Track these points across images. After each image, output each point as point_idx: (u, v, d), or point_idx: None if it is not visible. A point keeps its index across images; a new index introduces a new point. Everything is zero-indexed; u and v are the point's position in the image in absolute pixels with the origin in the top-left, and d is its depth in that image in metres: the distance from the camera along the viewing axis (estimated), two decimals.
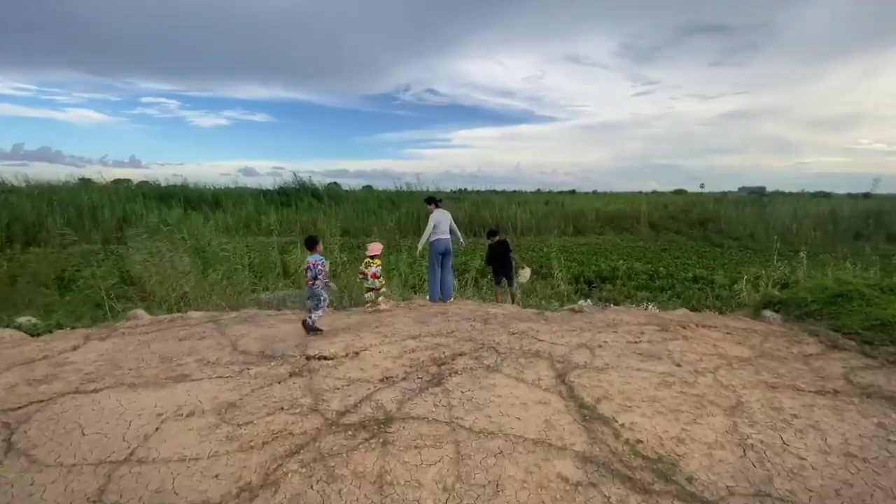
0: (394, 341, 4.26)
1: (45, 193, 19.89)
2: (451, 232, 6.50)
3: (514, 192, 42.22)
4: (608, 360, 3.79)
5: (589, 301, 9.70)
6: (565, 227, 21.59)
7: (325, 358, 3.84)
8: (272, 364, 3.74)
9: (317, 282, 4.61)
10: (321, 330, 4.56)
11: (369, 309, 5.56)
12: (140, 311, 5.31)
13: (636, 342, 4.25)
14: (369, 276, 5.47)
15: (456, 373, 3.52)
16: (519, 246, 16.46)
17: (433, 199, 6.75)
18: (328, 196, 25.90)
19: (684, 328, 4.67)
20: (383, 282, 5.66)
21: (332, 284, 4.92)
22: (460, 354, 3.89)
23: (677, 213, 25.65)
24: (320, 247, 4.85)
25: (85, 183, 25.75)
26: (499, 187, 42.52)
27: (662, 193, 48.23)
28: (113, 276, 8.60)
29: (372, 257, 5.46)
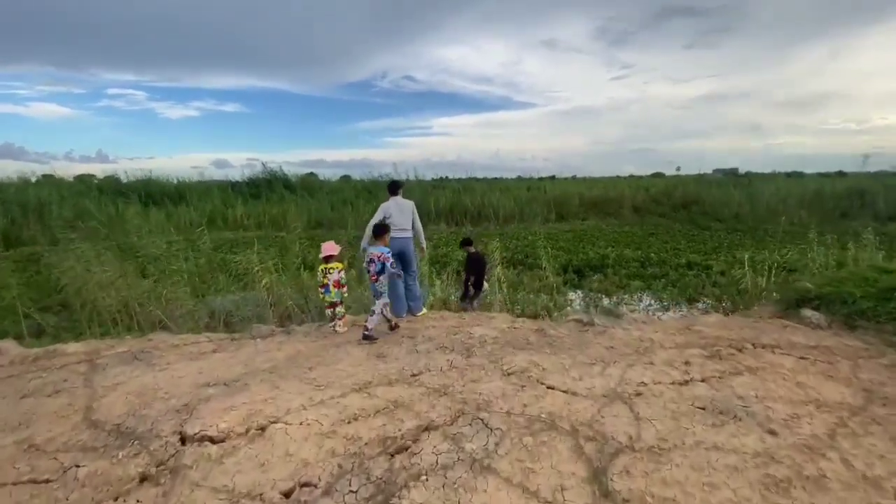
0: (328, 399, 2.95)
1: None
2: (414, 229, 5.26)
3: (495, 178, 41.45)
4: (662, 427, 2.57)
5: (579, 293, 9.02)
6: (548, 214, 20.92)
7: (211, 440, 2.52)
8: (122, 453, 2.43)
9: (381, 277, 4.30)
10: (376, 339, 4.26)
11: (332, 329, 4.68)
12: (6, 344, 4.23)
13: (686, 381, 3.14)
14: (331, 287, 4.46)
15: (419, 476, 2.19)
16: (503, 234, 15.70)
17: (394, 185, 5.32)
18: (301, 187, 24.65)
19: (740, 351, 3.66)
20: (346, 292, 4.71)
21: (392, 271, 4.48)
22: (428, 428, 2.61)
23: (660, 197, 25.23)
24: (388, 238, 4.56)
25: (47, 179, 23.93)
26: (479, 175, 41.59)
27: (640, 177, 48.13)
28: (47, 285, 7.52)
29: (327, 259, 4.47)
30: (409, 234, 5.08)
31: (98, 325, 5.48)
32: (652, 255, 11.33)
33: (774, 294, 6.23)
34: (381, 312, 4.35)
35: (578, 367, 3.46)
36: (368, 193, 22.64)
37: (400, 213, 5.08)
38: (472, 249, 6.03)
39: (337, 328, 4.55)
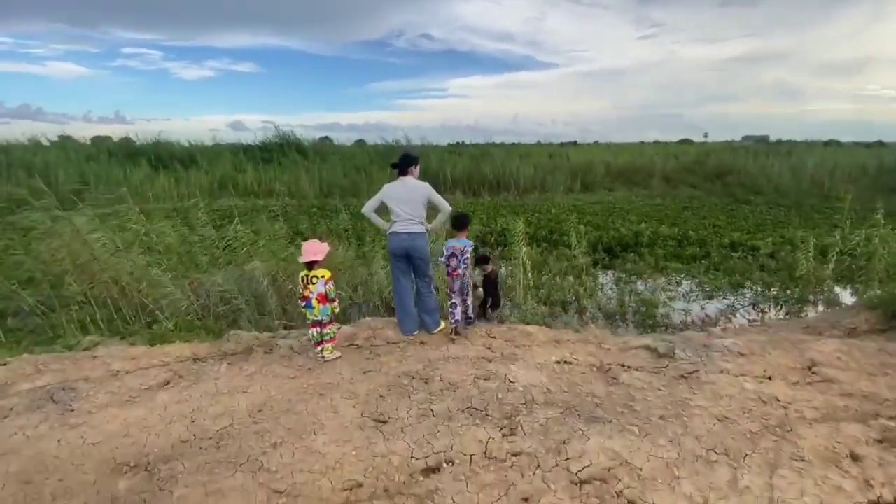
0: None
1: None
2: (436, 222, 4.07)
3: (514, 144, 39.78)
4: None
5: (610, 275, 8.18)
6: (572, 183, 19.75)
7: None
8: None
9: (458, 272, 3.87)
10: (465, 328, 3.99)
11: (317, 355, 3.54)
12: None
13: (876, 502, 2.02)
14: (314, 301, 3.37)
15: None
16: (525, 207, 14.76)
17: (404, 161, 3.95)
18: (314, 152, 23.77)
19: None
20: (337, 307, 3.52)
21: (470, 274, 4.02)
22: None
23: (691, 165, 23.70)
24: (467, 232, 4.05)
25: (63, 141, 23.51)
26: (497, 139, 39.87)
27: (666, 144, 45.69)
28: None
29: (310, 265, 3.39)
30: (420, 228, 3.81)
31: (78, 307, 4.87)
32: (690, 232, 10.34)
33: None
34: (466, 307, 3.96)
35: (690, 464, 2.24)
36: (382, 160, 21.67)
37: (407, 199, 3.77)
38: (490, 268, 4.94)
39: (324, 355, 3.50)
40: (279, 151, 23.31)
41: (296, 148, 23.70)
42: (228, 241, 6.45)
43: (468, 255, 3.84)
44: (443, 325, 4.08)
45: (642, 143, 49.61)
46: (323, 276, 3.36)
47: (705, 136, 52.51)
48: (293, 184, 18.15)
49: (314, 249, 3.37)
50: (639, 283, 7.76)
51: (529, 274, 6.70)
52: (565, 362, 3.43)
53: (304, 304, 3.43)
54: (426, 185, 3.85)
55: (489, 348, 3.73)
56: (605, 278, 8.08)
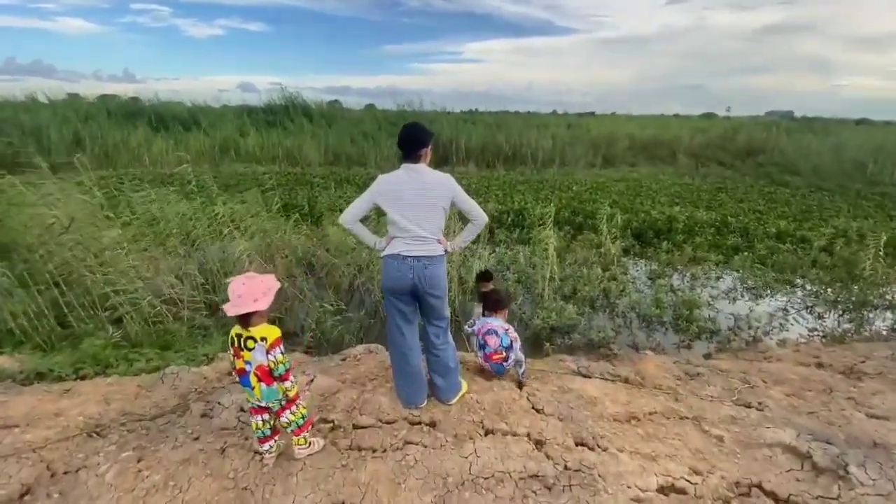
0: None
1: None
2: (464, 234, 2.74)
3: (529, 113, 37.96)
4: None
5: (641, 266, 7.29)
6: (594, 158, 18.55)
7: None
8: None
9: (509, 354, 2.88)
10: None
11: (265, 456, 2.24)
12: None
13: None
14: (251, 378, 2.05)
15: None
16: (544, 183, 13.72)
17: (412, 138, 2.50)
18: (321, 116, 22.62)
19: None
20: (293, 386, 2.12)
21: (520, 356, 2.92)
22: None
23: (720, 142, 22.26)
24: (505, 312, 3.01)
25: (72, 99, 22.56)
26: (511, 107, 38.07)
27: (688, 117, 43.41)
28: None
29: (245, 320, 1.98)
30: (437, 248, 2.49)
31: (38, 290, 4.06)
32: (729, 218, 9.34)
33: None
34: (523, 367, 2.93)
35: None
36: (393, 126, 20.52)
37: (419, 203, 2.43)
38: (490, 286, 4.14)
39: (298, 451, 2.25)
40: (284, 115, 22.24)
41: (302, 111, 22.57)
42: (210, 217, 5.64)
43: (514, 334, 2.81)
44: (464, 387, 2.80)
45: (662, 115, 47.40)
46: (264, 339, 1.96)
47: (728, 110, 49.98)
48: (297, 150, 17.19)
49: (249, 292, 1.90)
50: (674, 276, 6.89)
51: (555, 266, 5.84)
52: (674, 489, 2.17)
53: (238, 377, 2.08)
54: (448, 178, 2.49)
55: (539, 441, 2.44)
56: (637, 270, 7.20)
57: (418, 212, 2.40)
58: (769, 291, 6.40)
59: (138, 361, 2.91)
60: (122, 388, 2.76)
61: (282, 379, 2.05)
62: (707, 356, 4.78)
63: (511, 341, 2.78)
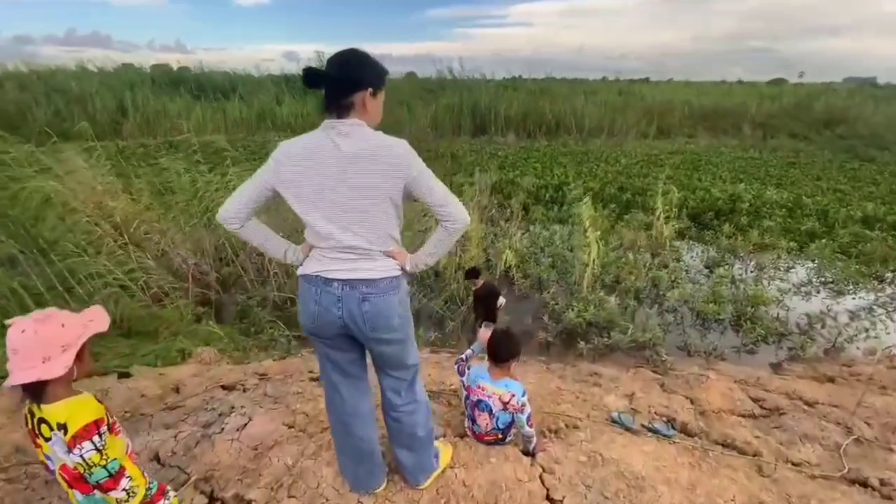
0: None
1: (44, 79, 17.59)
2: (432, 245, 1.55)
3: (576, 80, 35.60)
4: None
5: (697, 251, 6.39)
6: (647, 127, 17.03)
7: None
8: None
9: (508, 432, 2.00)
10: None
11: None
12: None
13: None
14: (57, 476, 1.25)
15: None
16: (588, 154, 12.67)
17: (339, 72, 1.37)
18: None
19: None
20: (132, 498, 1.26)
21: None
22: None
23: (793, 110, 19.93)
24: (513, 364, 1.96)
25: (126, 68, 23.21)
26: (557, 74, 35.70)
27: (754, 84, 39.17)
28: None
29: (36, 394, 1.17)
30: (381, 267, 1.47)
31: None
32: (805, 198, 8.13)
33: None
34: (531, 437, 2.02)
35: None
36: (430, 94, 19.68)
37: (343, 191, 1.37)
38: (480, 282, 3.85)
39: None
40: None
41: None
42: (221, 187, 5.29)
43: (517, 404, 1.91)
44: (443, 459, 1.90)
45: (724, 81, 43.16)
46: (62, 427, 1.16)
47: (800, 76, 44.82)
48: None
49: (36, 346, 1.13)
50: (736, 265, 6.00)
51: (594, 251, 5.12)
52: None
53: (47, 466, 1.28)
54: (401, 147, 1.40)
55: None
56: (692, 257, 6.33)
57: (346, 206, 1.39)
58: (853, 287, 5.42)
59: (99, 358, 2.56)
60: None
61: (104, 489, 1.22)
62: (776, 367, 4.03)
63: (512, 417, 1.93)
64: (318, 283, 1.46)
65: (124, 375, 2.39)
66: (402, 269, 1.52)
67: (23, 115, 13.70)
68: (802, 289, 5.42)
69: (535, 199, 8.35)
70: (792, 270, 5.90)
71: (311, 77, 1.39)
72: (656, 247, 6.29)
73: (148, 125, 15.16)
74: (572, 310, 4.55)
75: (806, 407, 2.44)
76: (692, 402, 2.38)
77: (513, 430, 2.00)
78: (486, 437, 2.00)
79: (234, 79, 22.11)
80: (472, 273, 3.95)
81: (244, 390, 2.37)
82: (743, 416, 2.32)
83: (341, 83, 1.37)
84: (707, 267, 5.93)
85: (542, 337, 4.30)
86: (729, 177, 9.85)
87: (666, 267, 5.68)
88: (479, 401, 1.95)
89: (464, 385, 2.05)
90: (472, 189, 7.05)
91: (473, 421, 2.01)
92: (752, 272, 5.80)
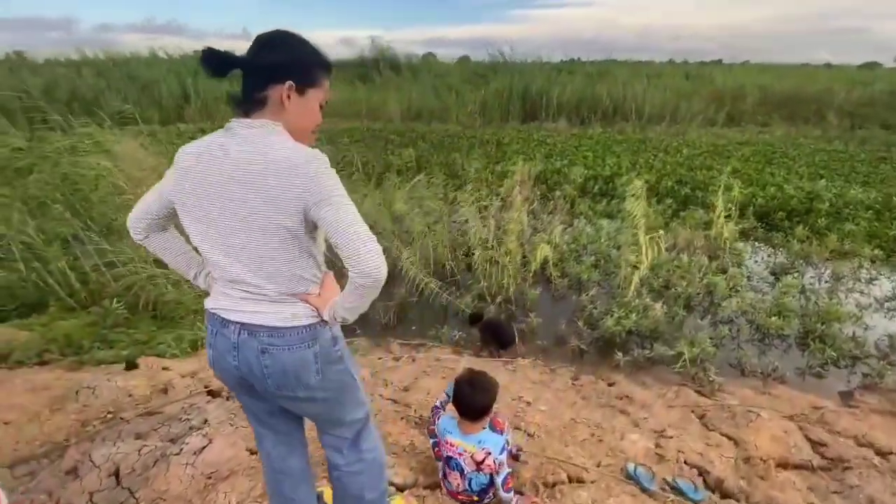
0: None
1: (119, 66, 18.85)
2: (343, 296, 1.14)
3: (640, 63, 33.38)
4: None
5: (762, 254, 5.74)
6: (715, 114, 15.69)
7: None
8: None
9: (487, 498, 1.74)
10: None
11: None
12: None
13: None
14: None
15: None
16: (646, 143, 11.84)
17: (256, 50, 1.09)
18: (408, 69, 21.95)
19: None
20: None
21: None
22: None
23: (888, 98, 17.60)
24: (487, 419, 1.69)
25: (194, 56, 24.59)
26: (619, 57, 33.62)
27: (841, 67, 34.77)
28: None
29: None
30: (288, 312, 1.13)
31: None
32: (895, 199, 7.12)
33: None
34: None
35: None
36: (480, 78, 19.20)
37: (229, 211, 1.05)
38: (485, 322, 3.90)
39: None
40: (374, 68, 21.95)
41: (389, 65, 22.07)
42: None
43: (494, 464, 1.64)
44: None
45: (806, 64, 38.80)
46: None
47: None
48: (382, 105, 16.81)
49: None
50: (808, 274, 5.33)
51: (646, 253, 4.68)
52: None
53: None
54: (310, 159, 1.03)
55: None
56: (756, 262, 5.71)
57: (231, 229, 1.07)
58: None
59: (115, 346, 2.60)
60: (34, 398, 2.22)
61: None
62: (846, 396, 3.50)
63: (490, 477, 1.65)
64: (216, 322, 1.17)
65: (132, 366, 2.41)
66: (321, 320, 1.16)
67: (97, 100, 14.73)
68: (886, 304, 4.72)
69: (582, 192, 7.88)
70: (875, 282, 5.16)
71: (213, 61, 1.05)
72: (715, 249, 5.72)
73: (207, 110, 15.84)
74: (612, 316, 4.19)
75: (878, 459, 2.02)
76: (736, 444, 2.03)
77: (493, 490, 1.71)
78: (459, 496, 1.74)
79: None
80: (473, 319, 3.87)
81: (227, 398, 2.29)
82: (798, 468, 1.94)
83: (253, 71, 1.07)
84: (773, 274, 5.31)
85: (574, 344, 3.99)
86: (807, 172, 8.81)
87: (724, 272, 5.13)
88: (450, 458, 1.67)
89: (434, 439, 1.79)
90: (512, 180, 6.71)
91: (445, 477, 1.76)
92: (826, 283, 5.13)
